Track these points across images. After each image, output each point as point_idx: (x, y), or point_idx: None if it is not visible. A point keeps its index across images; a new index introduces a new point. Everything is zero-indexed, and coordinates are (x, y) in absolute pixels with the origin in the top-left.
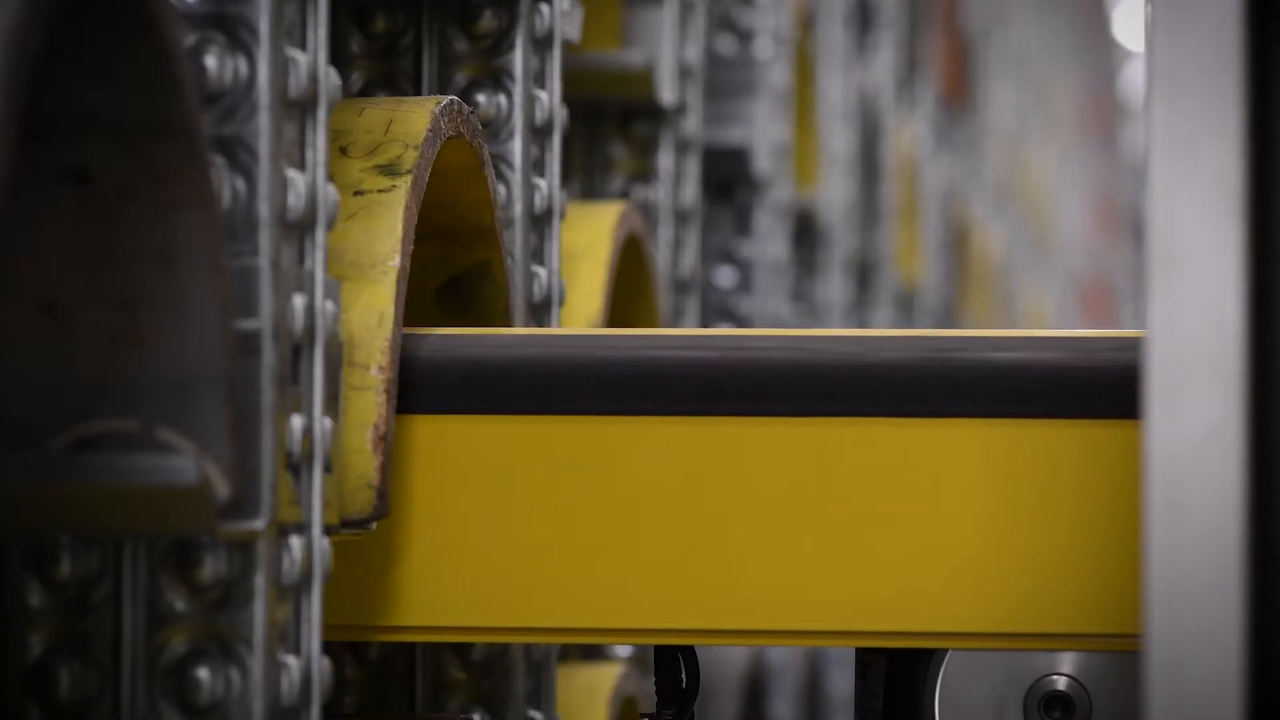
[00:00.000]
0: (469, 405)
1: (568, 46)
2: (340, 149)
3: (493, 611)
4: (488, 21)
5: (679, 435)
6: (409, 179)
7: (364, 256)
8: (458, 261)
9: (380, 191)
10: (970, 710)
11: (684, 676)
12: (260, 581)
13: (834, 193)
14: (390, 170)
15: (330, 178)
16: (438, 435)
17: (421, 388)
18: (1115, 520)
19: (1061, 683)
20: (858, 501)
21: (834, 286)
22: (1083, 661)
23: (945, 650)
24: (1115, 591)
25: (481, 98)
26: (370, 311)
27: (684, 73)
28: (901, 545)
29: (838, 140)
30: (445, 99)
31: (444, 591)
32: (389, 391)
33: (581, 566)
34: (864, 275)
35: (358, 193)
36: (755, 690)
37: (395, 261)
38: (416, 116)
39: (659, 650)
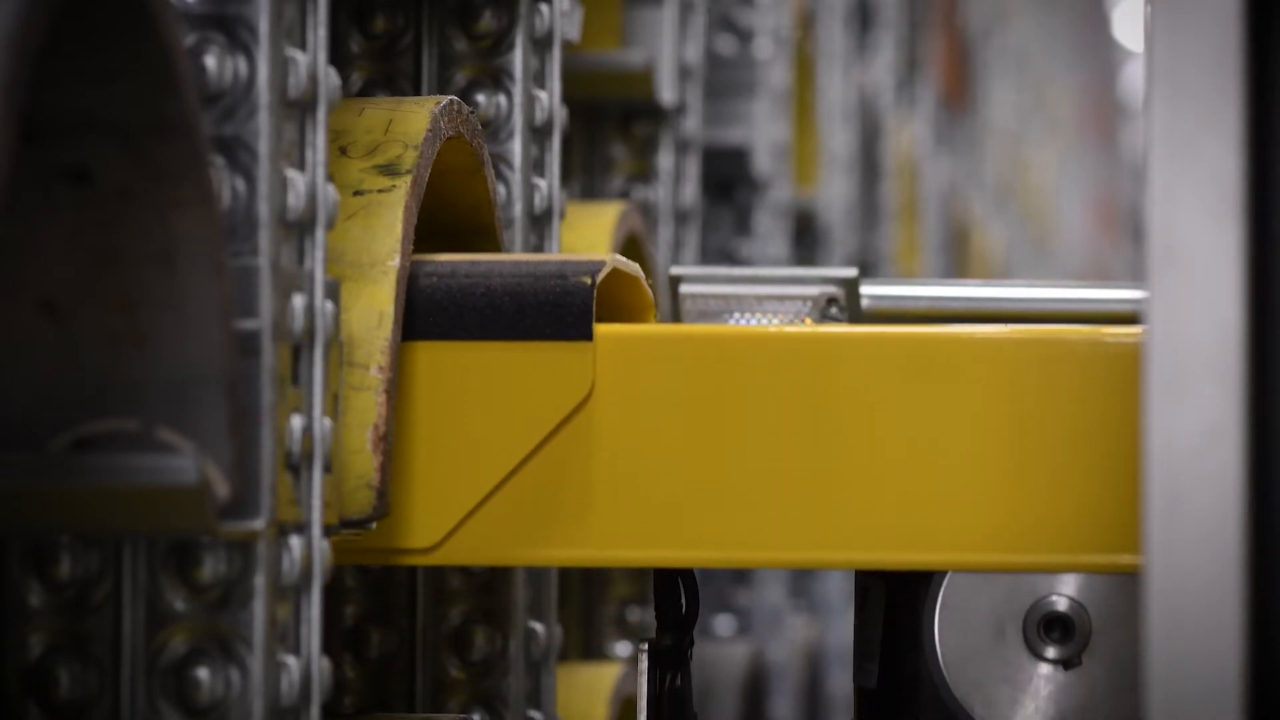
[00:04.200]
0: (464, 332)
1: (568, 46)
2: (340, 149)
3: (506, 542)
4: (488, 21)
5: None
6: (409, 179)
7: (364, 256)
8: None
9: (380, 191)
10: (969, 632)
11: (684, 602)
12: (260, 581)
13: (834, 193)
14: (390, 170)
15: (330, 178)
16: (437, 360)
17: (421, 315)
18: (1115, 441)
19: (1062, 604)
20: (858, 418)
21: None
22: (1083, 583)
23: (944, 572)
24: (1114, 514)
25: (481, 98)
26: (370, 311)
27: (684, 73)
28: (904, 466)
29: (838, 140)
30: (445, 99)
31: (460, 515)
32: (389, 391)
33: (571, 491)
34: (864, 275)
35: (357, 193)
36: (755, 690)
37: (395, 261)
38: (416, 116)
39: (659, 575)
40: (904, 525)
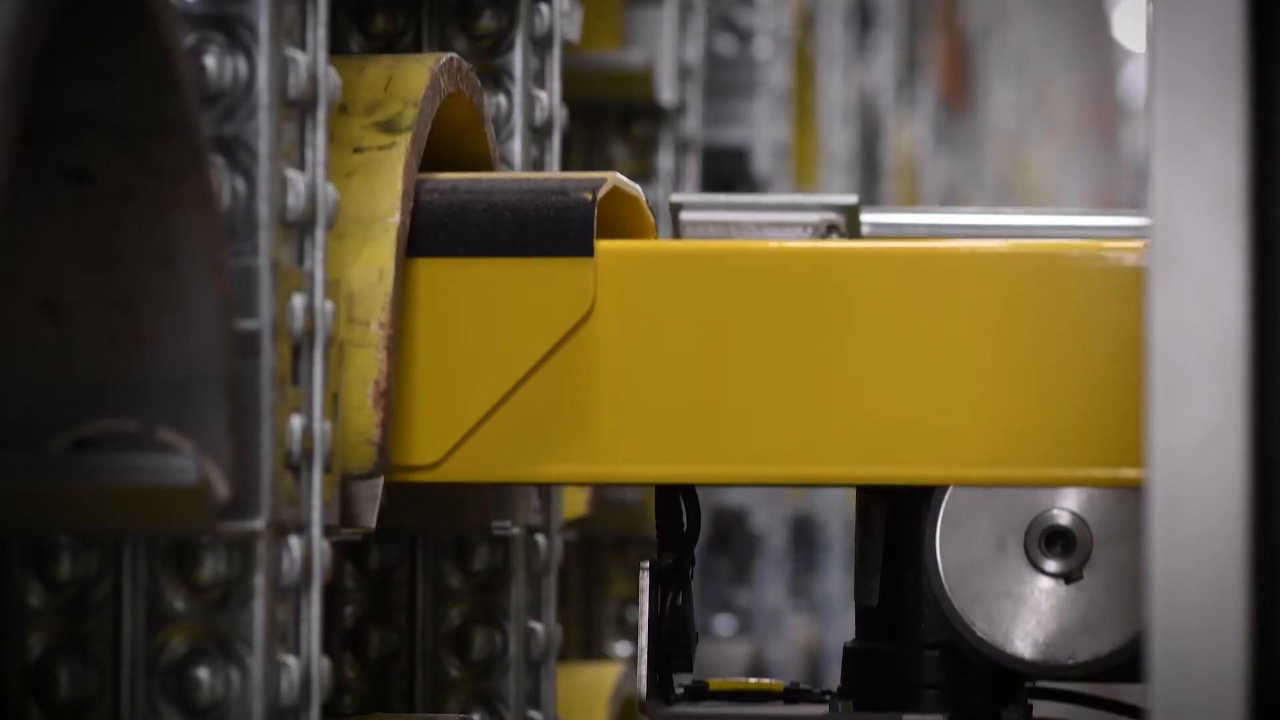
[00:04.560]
0: (465, 248)
1: (568, 46)
2: (340, 106)
3: (508, 458)
4: (488, 21)
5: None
6: (409, 136)
7: (364, 213)
8: None
9: (380, 149)
10: (971, 547)
11: (685, 520)
12: (260, 581)
13: (834, 192)
14: (390, 127)
15: (330, 135)
16: (439, 277)
17: (423, 231)
18: (1116, 354)
19: (1063, 518)
20: (858, 333)
21: None
22: (1084, 497)
23: (945, 487)
24: (1115, 427)
25: None
26: (371, 268)
27: (684, 73)
28: (905, 380)
29: (838, 140)
30: (445, 56)
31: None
32: (389, 348)
33: (573, 407)
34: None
35: (357, 149)
36: None
37: (395, 218)
38: (416, 74)
39: (660, 494)
40: (905, 440)
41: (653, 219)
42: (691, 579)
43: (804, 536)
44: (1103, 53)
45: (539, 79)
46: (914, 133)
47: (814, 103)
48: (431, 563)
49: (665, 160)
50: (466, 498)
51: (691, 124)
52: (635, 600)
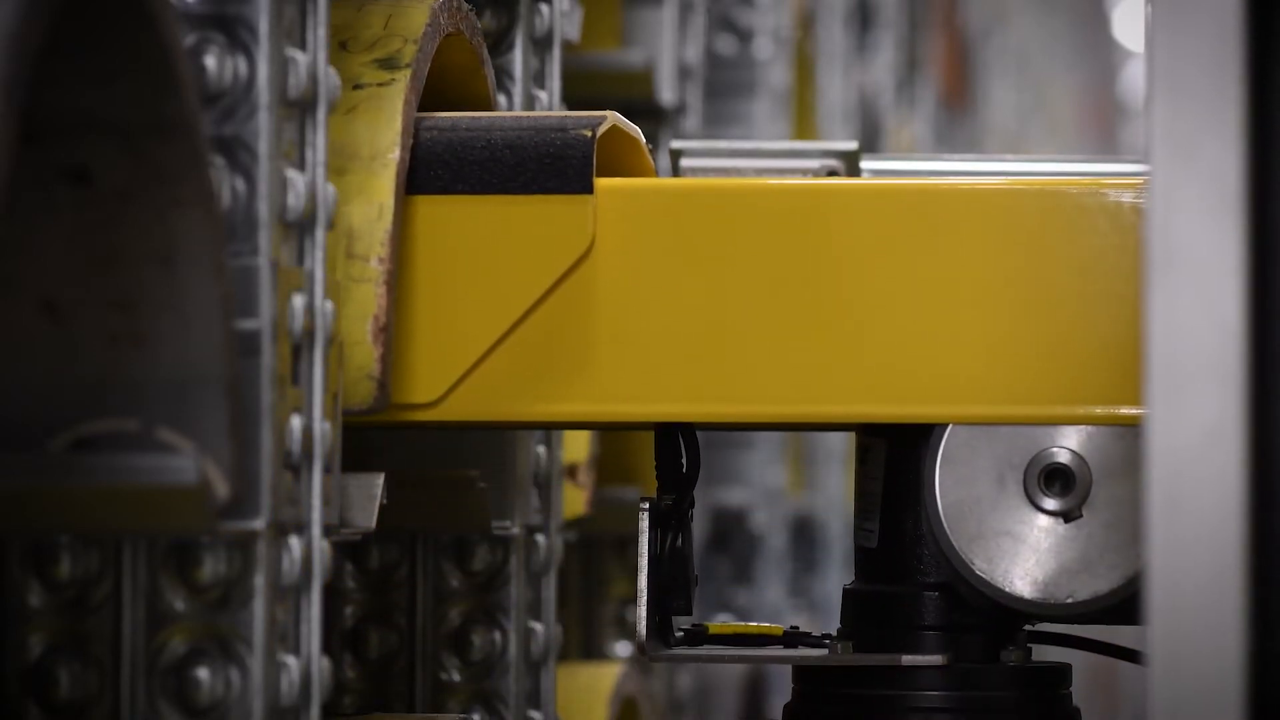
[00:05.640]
0: (464, 185)
1: (568, 46)
2: (340, 44)
3: (508, 396)
4: (487, 21)
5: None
6: (409, 73)
7: (364, 149)
8: None
9: (380, 85)
10: (970, 486)
11: (684, 460)
12: (260, 581)
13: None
14: (390, 64)
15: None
16: (438, 215)
17: (422, 169)
18: (1115, 292)
19: (1063, 456)
20: (858, 271)
21: None
22: (1084, 436)
23: (945, 425)
24: (1114, 366)
25: None
26: (371, 204)
27: (684, 73)
28: (904, 318)
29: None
30: None
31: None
32: (389, 283)
33: (573, 346)
34: None
35: (358, 86)
36: (755, 690)
37: (395, 154)
38: (416, 11)
39: (659, 433)
40: (905, 378)
41: (653, 163)
42: (691, 520)
43: (804, 536)
44: (1103, 53)
45: (539, 79)
46: (914, 133)
47: (814, 103)
48: (431, 563)
49: (665, 160)
50: (466, 497)
51: (691, 124)
52: (635, 600)
